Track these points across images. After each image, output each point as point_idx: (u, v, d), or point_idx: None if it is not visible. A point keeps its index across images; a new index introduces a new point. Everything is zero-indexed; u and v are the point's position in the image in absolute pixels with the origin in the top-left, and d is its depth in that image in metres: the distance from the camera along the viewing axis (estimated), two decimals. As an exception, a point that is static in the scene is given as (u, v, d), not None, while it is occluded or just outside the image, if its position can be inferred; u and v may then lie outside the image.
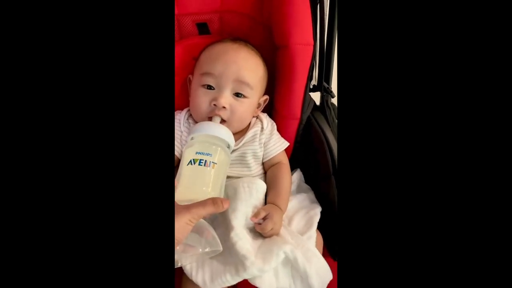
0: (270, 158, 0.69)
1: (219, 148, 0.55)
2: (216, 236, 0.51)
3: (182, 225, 0.43)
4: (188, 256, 0.52)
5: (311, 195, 0.70)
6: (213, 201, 0.47)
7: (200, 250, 0.50)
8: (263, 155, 0.69)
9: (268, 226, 0.58)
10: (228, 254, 0.55)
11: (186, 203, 0.50)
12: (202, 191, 0.51)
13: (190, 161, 0.53)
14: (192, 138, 0.57)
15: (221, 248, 0.51)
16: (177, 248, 0.47)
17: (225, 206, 0.48)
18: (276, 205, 0.62)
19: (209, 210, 0.46)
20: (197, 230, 0.50)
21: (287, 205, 0.66)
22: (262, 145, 0.69)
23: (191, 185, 0.52)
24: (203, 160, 0.52)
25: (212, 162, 0.53)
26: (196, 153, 0.53)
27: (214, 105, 0.63)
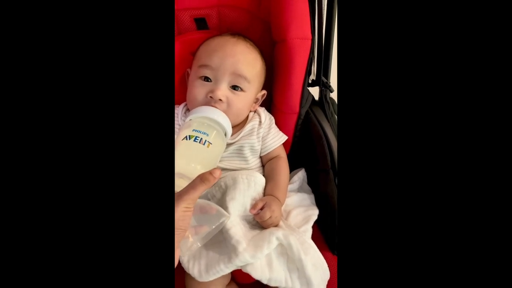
0: (268, 152, 0.70)
1: (216, 131, 0.55)
2: (219, 207, 0.51)
3: (180, 214, 0.42)
4: (194, 242, 0.51)
5: (312, 197, 0.70)
6: (201, 178, 0.45)
7: (213, 227, 0.50)
8: (261, 149, 0.69)
9: (266, 214, 0.58)
10: (224, 245, 0.55)
11: (175, 178, 0.49)
12: (192, 167, 0.50)
13: (186, 136, 0.52)
14: (191, 120, 0.57)
15: (228, 215, 0.51)
16: (186, 235, 0.47)
17: (216, 175, 0.45)
18: (274, 196, 0.62)
19: (200, 189, 0.44)
20: (200, 210, 0.50)
21: (285, 198, 0.66)
22: (260, 138, 0.69)
23: (182, 160, 0.51)
24: (198, 137, 0.52)
25: (208, 141, 0.52)
26: (193, 130, 0.53)
27: (211, 97, 0.63)
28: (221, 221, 0.51)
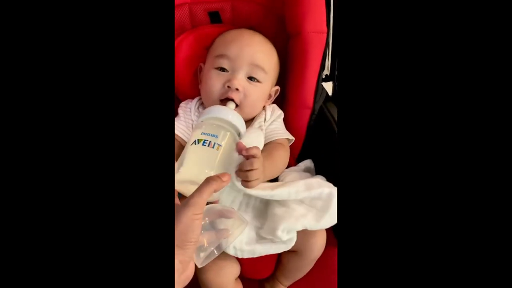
0: (270, 141, 0.66)
1: (228, 133, 0.53)
2: (239, 213, 0.50)
3: (188, 221, 0.39)
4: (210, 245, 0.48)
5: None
6: (207, 181, 0.42)
7: (234, 233, 0.48)
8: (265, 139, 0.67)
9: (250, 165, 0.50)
10: None
11: (186, 185, 0.48)
12: (203, 173, 0.48)
13: (195, 141, 0.51)
14: (202, 121, 0.55)
15: (247, 222, 0.49)
16: (200, 240, 0.44)
17: (225, 179, 0.43)
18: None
19: (207, 192, 0.41)
20: (222, 215, 0.48)
21: (271, 174, 0.61)
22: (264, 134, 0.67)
23: (192, 166, 0.50)
24: (207, 140, 0.50)
25: (217, 143, 0.50)
26: (202, 133, 0.51)
27: (228, 87, 0.61)
28: (240, 226, 0.49)
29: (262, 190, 0.55)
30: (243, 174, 0.51)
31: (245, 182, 0.51)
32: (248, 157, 0.50)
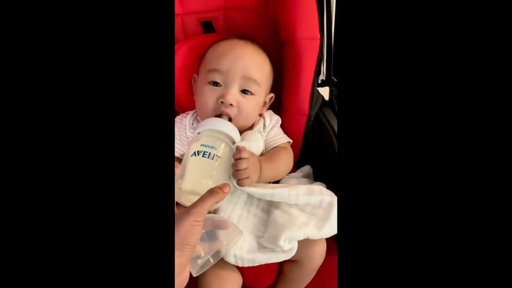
0: (272, 147, 0.67)
1: (224, 143, 0.55)
2: (234, 223, 0.51)
3: (187, 228, 0.41)
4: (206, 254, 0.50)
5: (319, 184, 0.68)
6: (211, 192, 0.45)
7: (228, 243, 0.50)
8: (265, 147, 0.67)
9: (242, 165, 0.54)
10: None
11: (186, 196, 0.50)
12: (203, 183, 0.50)
13: (194, 152, 0.53)
14: (198, 133, 0.57)
15: (242, 232, 0.50)
16: (197, 250, 0.46)
17: (226, 190, 0.45)
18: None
19: (209, 202, 0.43)
20: (213, 225, 0.50)
21: (269, 173, 0.61)
22: (264, 141, 0.67)
23: (193, 177, 0.52)
24: (207, 152, 0.52)
25: (216, 155, 0.52)
26: (201, 145, 0.53)
27: (221, 102, 0.62)
28: (235, 237, 0.50)
29: (262, 188, 0.57)
30: (234, 173, 0.54)
31: (238, 181, 0.55)
32: (236, 159, 0.54)
